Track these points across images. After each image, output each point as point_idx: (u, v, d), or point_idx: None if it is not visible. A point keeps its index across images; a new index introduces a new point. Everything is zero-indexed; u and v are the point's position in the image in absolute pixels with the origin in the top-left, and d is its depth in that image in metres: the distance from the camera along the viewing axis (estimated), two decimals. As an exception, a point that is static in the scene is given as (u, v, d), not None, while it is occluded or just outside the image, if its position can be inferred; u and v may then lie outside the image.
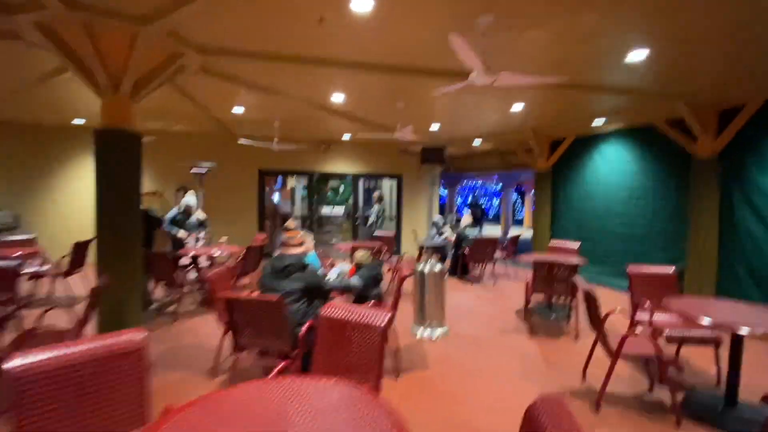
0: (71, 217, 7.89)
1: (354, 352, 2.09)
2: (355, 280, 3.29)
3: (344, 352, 2.12)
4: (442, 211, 17.13)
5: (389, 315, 2.09)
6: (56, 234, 7.53)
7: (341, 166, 9.77)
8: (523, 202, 21.87)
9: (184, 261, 5.92)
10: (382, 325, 2.06)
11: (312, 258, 4.38)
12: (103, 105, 3.54)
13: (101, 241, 3.55)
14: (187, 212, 6.12)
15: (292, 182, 15.65)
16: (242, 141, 7.62)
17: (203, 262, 5.96)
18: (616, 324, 4.51)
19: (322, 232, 14.49)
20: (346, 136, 8.80)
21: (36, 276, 5.35)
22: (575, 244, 5.77)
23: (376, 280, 3.42)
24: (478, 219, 15.89)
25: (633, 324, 3.30)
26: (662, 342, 3.11)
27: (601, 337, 2.89)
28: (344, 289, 3.27)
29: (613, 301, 5.83)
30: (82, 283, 5.48)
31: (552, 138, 8.30)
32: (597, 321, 2.90)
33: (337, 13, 2.99)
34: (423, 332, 4.22)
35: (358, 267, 3.52)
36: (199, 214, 6.25)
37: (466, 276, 7.22)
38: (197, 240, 5.87)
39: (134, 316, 3.75)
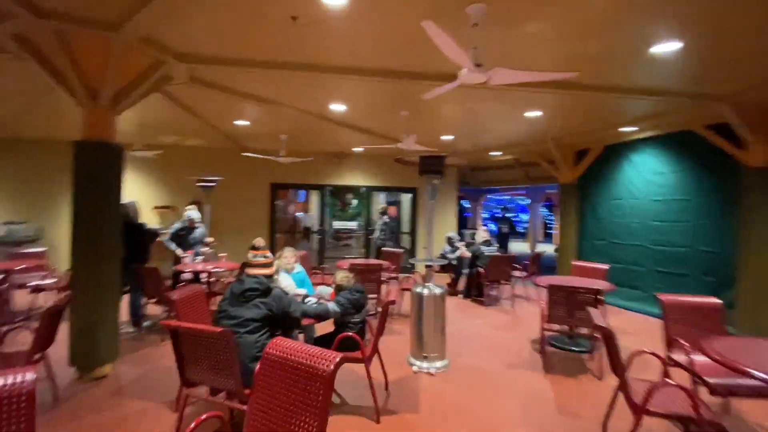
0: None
1: (293, 401, 1.71)
2: (332, 306, 2.92)
3: (282, 400, 1.74)
4: (464, 226, 16.49)
5: (338, 358, 1.70)
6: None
7: (355, 179, 9.52)
8: (554, 217, 20.77)
9: (186, 276, 5.79)
10: (327, 370, 1.67)
11: (300, 276, 4.06)
12: (83, 116, 3.43)
13: (75, 257, 3.39)
14: (191, 225, 6.03)
15: (314, 195, 15.60)
16: (246, 154, 7.54)
17: (204, 277, 5.80)
18: (650, 361, 3.84)
19: (339, 246, 14.25)
20: (358, 149, 8.55)
21: (38, 289, 5.38)
22: (603, 266, 5.12)
23: (358, 306, 3.02)
24: (506, 234, 15.12)
25: (666, 369, 2.70)
26: (705, 392, 2.51)
27: (623, 386, 2.35)
28: (319, 316, 2.90)
29: (648, 331, 5.13)
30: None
31: (576, 148, 7.65)
32: (618, 366, 2.36)
33: (309, 10, 2.72)
34: (420, 365, 3.75)
35: (339, 290, 3.14)
36: (205, 236, 6.14)
37: (480, 298, 6.63)
38: (196, 255, 5.71)
39: (108, 335, 3.54)
